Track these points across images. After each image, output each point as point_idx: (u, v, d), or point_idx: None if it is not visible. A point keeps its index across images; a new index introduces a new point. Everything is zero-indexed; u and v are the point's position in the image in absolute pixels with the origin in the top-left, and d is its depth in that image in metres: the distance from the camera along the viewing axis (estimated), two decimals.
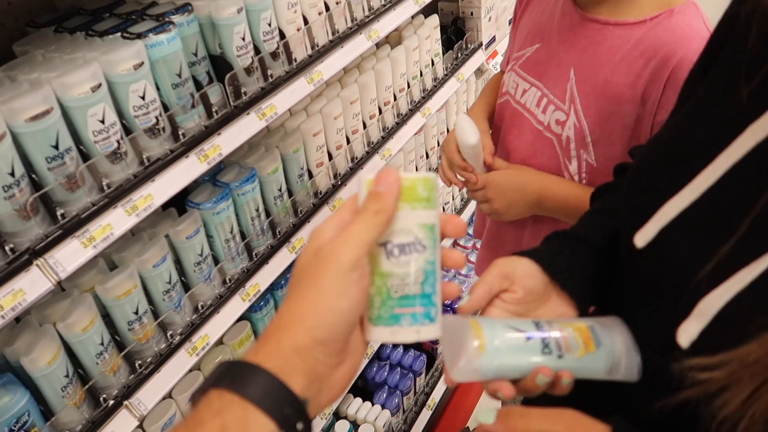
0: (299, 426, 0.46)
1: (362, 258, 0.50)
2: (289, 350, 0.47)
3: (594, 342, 0.67)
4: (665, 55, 1.03)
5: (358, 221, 0.51)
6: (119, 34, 1.10)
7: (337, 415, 2.10)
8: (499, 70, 1.59)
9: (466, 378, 0.64)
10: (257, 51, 1.32)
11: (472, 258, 2.68)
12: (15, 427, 1.02)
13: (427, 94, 2.05)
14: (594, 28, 1.13)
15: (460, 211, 2.55)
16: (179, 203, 1.35)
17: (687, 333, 0.57)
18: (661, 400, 0.55)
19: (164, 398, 1.31)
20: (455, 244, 2.72)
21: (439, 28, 2.06)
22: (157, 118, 1.12)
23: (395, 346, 2.32)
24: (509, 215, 1.28)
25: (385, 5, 1.67)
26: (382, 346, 2.27)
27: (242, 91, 1.29)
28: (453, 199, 2.51)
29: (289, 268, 1.54)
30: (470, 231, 2.78)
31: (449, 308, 2.19)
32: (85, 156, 1.04)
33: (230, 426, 0.43)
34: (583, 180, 1.22)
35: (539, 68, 1.24)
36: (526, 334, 0.65)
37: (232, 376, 0.46)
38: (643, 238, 0.65)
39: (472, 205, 2.62)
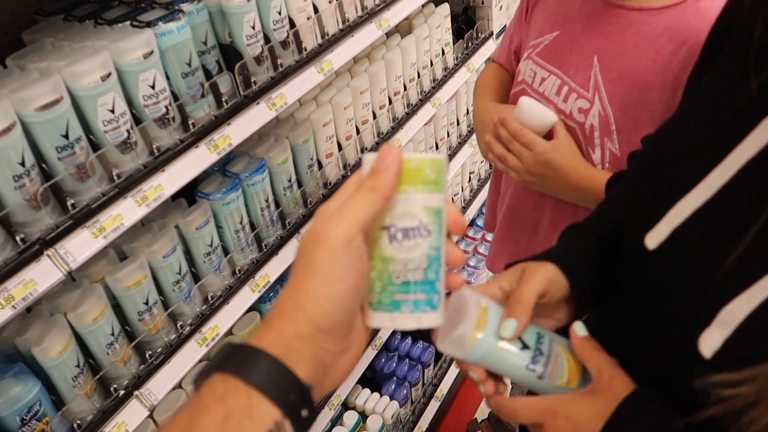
0: (304, 413, 0.45)
1: (354, 238, 0.48)
2: (293, 337, 0.46)
3: (579, 380, 0.68)
4: (698, 41, 1.03)
5: (352, 199, 0.49)
6: (129, 22, 1.09)
7: (346, 406, 2.10)
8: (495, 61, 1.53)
9: (449, 352, 0.66)
10: (267, 40, 1.31)
11: (481, 249, 2.67)
12: (27, 416, 1.02)
13: (437, 84, 2.02)
14: (618, 14, 1.12)
15: (469, 203, 2.53)
16: (189, 194, 1.34)
17: (710, 342, 0.53)
18: (685, 417, 0.53)
19: (174, 388, 1.31)
20: (464, 236, 2.71)
21: (449, 17, 2.03)
22: (166, 107, 1.11)
23: (404, 336, 2.32)
24: (540, 189, 1.26)
25: None
26: (390, 337, 2.27)
27: (252, 80, 1.28)
28: (462, 190, 2.50)
29: None
30: (480, 222, 2.77)
31: None
32: (94, 146, 1.04)
33: (234, 412, 0.42)
34: (606, 169, 1.21)
35: (559, 56, 1.22)
36: (520, 347, 0.66)
37: (237, 360, 0.45)
38: (654, 239, 0.62)
39: (482, 197, 2.61)
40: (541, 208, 1.36)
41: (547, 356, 0.66)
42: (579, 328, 0.69)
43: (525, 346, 0.66)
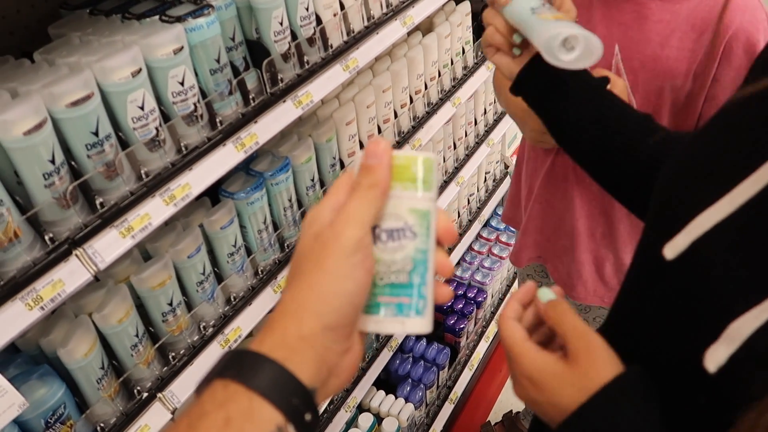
0: (307, 417, 0.44)
1: (364, 238, 0.47)
2: (296, 338, 0.45)
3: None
4: (721, 29, 1.03)
5: (354, 199, 0.48)
6: (157, 17, 1.07)
7: (361, 408, 2.08)
8: None
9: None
10: (294, 36, 1.28)
11: (496, 250, 2.64)
12: (51, 419, 1.00)
13: (457, 83, 2.00)
14: (639, 2, 1.12)
15: (484, 204, 2.51)
16: (212, 193, 1.32)
17: (715, 357, 0.52)
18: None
19: None
20: (478, 236, 2.68)
21: (470, 15, 2.01)
22: (195, 104, 1.09)
23: (418, 338, 2.29)
24: None
25: None
26: (405, 338, 2.24)
27: (279, 77, 1.26)
28: (477, 190, 2.47)
29: None
30: (494, 223, 2.74)
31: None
32: (123, 143, 1.01)
33: (235, 418, 0.41)
34: None
35: None
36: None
37: (238, 366, 0.44)
38: (673, 249, 0.60)
39: (497, 197, 2.58)
40: (569, 197, 1.35)
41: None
42: (544, 294, 0.67)
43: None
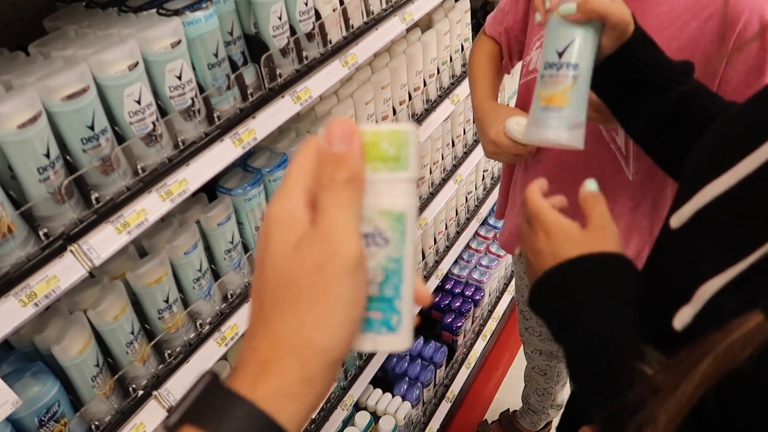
0: None
1: (362, 251, 0.41)
2: (299, 383, 0.39)
3: None
4: (729, 13, 1.01)
5: (335, 204, 0.40)
6: (154, 10, 1.05)
7: (358, 407, 2.07)
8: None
9: None
10: (293, 32, 1.27)
11: (494, 249, 2.63)
12: (45, 417, 0.98)
13: (456, 80, 1.99)
14: None
15: (482, 202, 2.50)
16: (209, 189, 1.30)
17: (682, 317, 0.58)
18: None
19: None
20: (476, 234, 2.67)
21: (469, 12, 2.00)
22: (192, 99, 1.07)
23: (415, 336, 2.28)
24: None
25: None
26: None
27: (277, 73, 1.24)
28: (476, 188, 2.47)
29: None
30: (492, 221, 2.74)
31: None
32: (119, 138, 1.00)
33: None
34: (630, 151, 1.19)
35: None
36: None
37: (218, 412, 0.38)
38: (678, 219, 0.64)
39: (495, 195, 2.57)
40: (558, 191, 1.34)
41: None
42: (590, 184, 0.77)
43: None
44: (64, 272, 0.91)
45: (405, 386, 2.11)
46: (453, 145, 2.17)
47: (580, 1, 0.82)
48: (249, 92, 1.19)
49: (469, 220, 2.40)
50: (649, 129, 0.93)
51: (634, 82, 0.88)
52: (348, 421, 1.98)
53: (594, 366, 0.64)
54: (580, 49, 0.85)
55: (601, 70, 0.88)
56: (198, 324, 1.25)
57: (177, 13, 1.03)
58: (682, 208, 0.63)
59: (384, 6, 1.52)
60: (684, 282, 0.59)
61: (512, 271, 2.80)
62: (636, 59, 0.86)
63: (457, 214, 2.34)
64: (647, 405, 0.53)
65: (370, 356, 1.91)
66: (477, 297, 2.44)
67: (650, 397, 0.53)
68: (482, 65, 1.43)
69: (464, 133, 2.20)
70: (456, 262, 2.55)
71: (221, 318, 1.28)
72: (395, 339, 0.45)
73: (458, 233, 2.34)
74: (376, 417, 2.03)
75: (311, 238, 0.40)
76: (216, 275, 1.29)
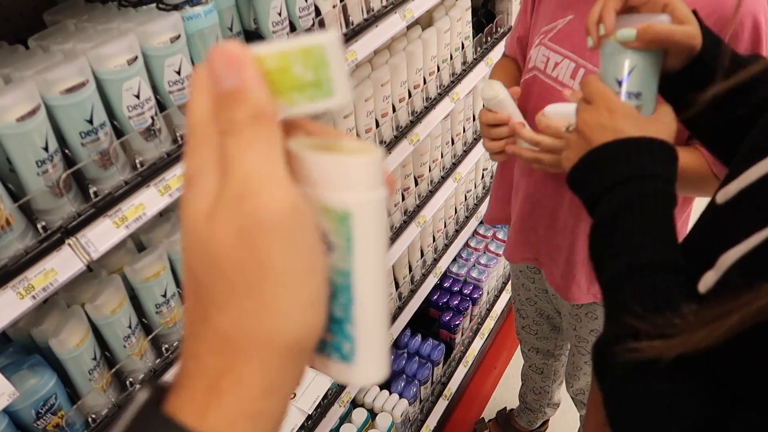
0: None
1: (297, 198, 0.31)
2: (261, 396, 0.31)
3: None
4: (724, 14, 1.02)
5: (245, 150, 0.30)
6: (154, 5, 1.05)
7: (355, 404, 2.08)
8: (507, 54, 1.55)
9: None
10: (292, 28, 1.27)
11: (492, 247, 2.64)
12: (42, 409, 0.99)
13: (456, 79, 1.99)
14: None
15: (481, 200, 2.50)
16: None
17: (706, 281, 0.61)
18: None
19: None
20: (475, 233, 2.68)
21: (470, 10, 2.00)
22: None
23: (413, 334, 2.29)
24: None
25: None
26: (400, 334, 2.24)
27: None
28: (475, 187, 2.47)
29: None
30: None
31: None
32: (118, 132, 1.00)
33: None
34: None
35: (573, 39, 1.21)
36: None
37: None
38: (723, 195, 0.66)
39: None
40: (560, 195, 1.34)
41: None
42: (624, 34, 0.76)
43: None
44: (62, 265, 0.91)
45: (402, 384, 2.12)
46: (453, 143, 2.17)
47: (641, 28, 0.75)
48: None
49: (468, 218, 2.41)
50: (719, 127, 0.87)
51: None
52: (345, 417, 1.98)
53: (645, 225, 0.67)
54: (642, 77, 0.78)
55: (669, 85, 0.82)
56: None
57: (176, 8, 1.03)
58: (729, 184, 0.65)
59: (384, 3, 1.52)
60: (713, 249, 0.61)
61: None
62: (710, 72, 0.78)
63: (456, 212, 2.34)
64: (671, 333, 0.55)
65: None
66: (475, 295, 2.44)
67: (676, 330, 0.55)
68: (498, 74, 1.50)
69: (464, 131, 2.20)
70: (455, 260, 2.56)
71: None
72: (349, 370, 0.35)
73: (457, 231, 2.34)
74: (373, 414, 2.04)
75: (225, 201, 0.30)
76: None
